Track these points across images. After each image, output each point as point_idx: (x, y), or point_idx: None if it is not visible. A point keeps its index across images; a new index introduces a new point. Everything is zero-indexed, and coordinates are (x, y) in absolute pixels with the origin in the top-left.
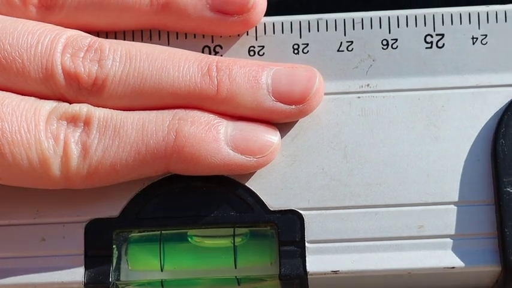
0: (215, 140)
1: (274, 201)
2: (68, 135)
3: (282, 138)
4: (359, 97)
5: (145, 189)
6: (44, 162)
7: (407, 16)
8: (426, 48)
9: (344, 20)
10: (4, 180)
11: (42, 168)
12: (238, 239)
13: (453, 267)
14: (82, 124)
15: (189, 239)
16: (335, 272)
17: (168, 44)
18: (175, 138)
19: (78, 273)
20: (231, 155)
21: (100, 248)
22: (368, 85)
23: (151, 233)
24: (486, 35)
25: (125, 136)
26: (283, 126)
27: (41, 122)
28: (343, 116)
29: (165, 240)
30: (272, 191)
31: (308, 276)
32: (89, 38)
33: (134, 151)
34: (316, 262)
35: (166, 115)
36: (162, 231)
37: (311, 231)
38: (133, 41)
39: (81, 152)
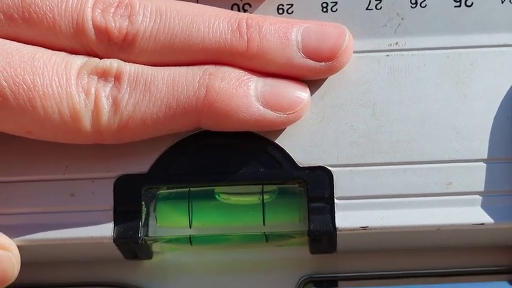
0: (245, 95)
1: (303, 158)
2: (99, 89)
3: (311, 95)
4: (388, 55)
5: (175, 145)
6: (75, 116)
7: None
8: (455, 6)
9: None
10: (35, 135)
11: (73, 122)
12: (266, 196)
13: (482, 224)
14: (112, 79)
15: (217, 196)
16: (364, 228)
17: (197, 2)
18: (206, 93)
19: (107, 229)
20: (261, 110)
21: (129, 203)
22: (397, 43)
23: (179, 190)
24: None
25: (155, 91)
26: (312, 83)
27: (72, 77)
28: (372, 74)
29: (193, 198)
30: (301, 147)
31: (337, 232)
32: None
33: (165, 106)
34: (345, 218)
35: (196, 70)
36: (191, 188)
37: (340, 187)
38: None
39: (112, 106)
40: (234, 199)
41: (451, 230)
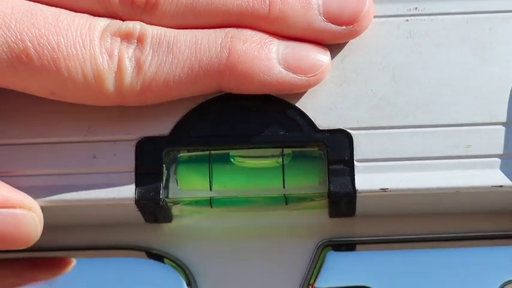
0: (267, 58)
1: (323, 121)
2: (122, 51)
3: (331, 59)
4: (407, 20)
5: (196, 108)
6: (99, 77)
7: None
8: None
9: None
10: (58, 96)
11: (96, 84)
12: (281, 159)
13: (501, 186)
14: (135, 41)
15: (232, 160)
16: (384, 189)
17: None
18: (228, 55)
19: (129, 190)
20: (282, 73)
21: (150, 165)
22: (416, 8)
23: (200, 153)
24: None
25: (178, 53)
26: (332, 47)
27: (96, 38)
28: (391, 38)
29: (213, 160)
30: (321, 110)
31: (357, 194)
32: None
33: (187, 67)
34: (365, 180)
35: (219, 33)
36: (211, 152)
37: (360, 150)
38: None
39: (135, 67)
40: (248, 162)
41: (470, 193)
